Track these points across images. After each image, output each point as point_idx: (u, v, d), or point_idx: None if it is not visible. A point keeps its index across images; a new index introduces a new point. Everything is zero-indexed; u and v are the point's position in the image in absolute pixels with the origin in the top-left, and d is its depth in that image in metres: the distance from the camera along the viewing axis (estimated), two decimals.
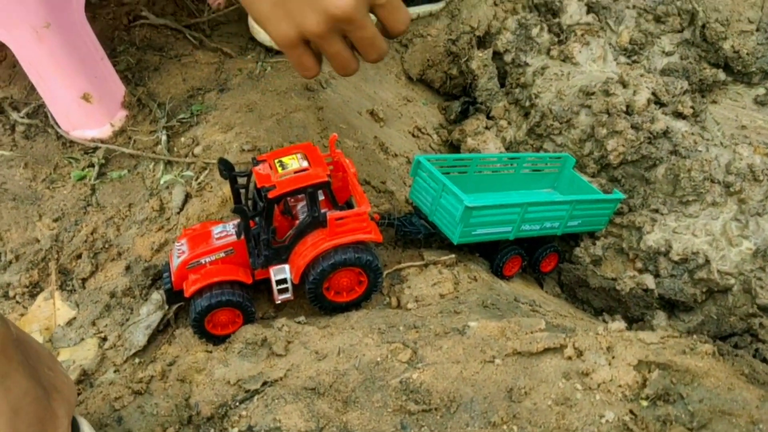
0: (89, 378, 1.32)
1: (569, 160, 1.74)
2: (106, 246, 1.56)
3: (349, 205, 1.35)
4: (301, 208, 1.33)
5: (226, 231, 1.33)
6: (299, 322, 1.30)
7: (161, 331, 1.37)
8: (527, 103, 2.00)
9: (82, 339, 1.40)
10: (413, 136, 2.03)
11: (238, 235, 1.27)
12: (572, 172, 1.74)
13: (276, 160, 1.29)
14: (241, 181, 1.35)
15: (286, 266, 1.30)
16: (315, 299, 1.31)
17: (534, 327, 1.11)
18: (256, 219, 1.27)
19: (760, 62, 1.90)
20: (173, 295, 1.31)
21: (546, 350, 1.07)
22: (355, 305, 1.35)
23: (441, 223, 1.47)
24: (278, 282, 1.31)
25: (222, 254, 1.30)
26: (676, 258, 1.53)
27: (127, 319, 1.40)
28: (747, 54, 1.88)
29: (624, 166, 1.73)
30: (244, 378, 1.17)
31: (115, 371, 1.32)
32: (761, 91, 1.91)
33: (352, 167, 1.38)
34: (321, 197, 1.32)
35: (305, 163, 1.27)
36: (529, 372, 1.05)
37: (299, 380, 1.13)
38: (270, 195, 1.22)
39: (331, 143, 1.39)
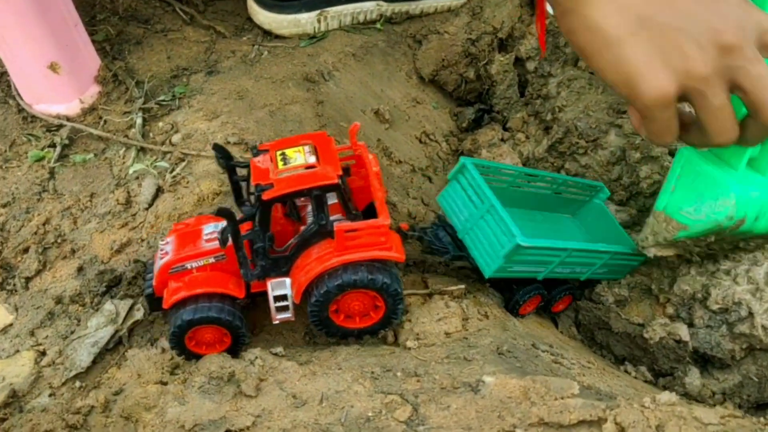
0: (19, 401, 1.10)
1: (604, 191, 1.54)
2: (59, 241, 1.34)
3: (370, 212, 1.13)
4: (310, 211, 1.12)
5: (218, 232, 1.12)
6: (276, 354, 1.08)
7: (110, 350, 1.15)
8: (549, 117, 1.80)
9: (17, 351, 1.19)
10: (420, 142, 1.82)
11: (223, 242, 1.06)
12: (602, 205, 1.54)
13: (279, 152, 1.07)
14: (242, 172, 1.14)
15: (287, 280, 1.09)
16: (319, 323, 1.10)
17: (565, 391, 0.90)
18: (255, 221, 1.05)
19: None
20: (155, 302, 1.11)
21: (580, 423, 0.86)
22: (371, 333, 1.14)
23: (474, 248, 1.24)
24: (277, 298, 1.10)
25: (211, 259, 1.09)
26: (714, 307, 1.34)
27: (72, 332, 1.18)
28: None
29: (655, 196, 1.53)
30: (203, 422, 0.95)
31: (50, 395, 1.10)
32: None
33: (375, 165, 1.16)
34: (333, 200, 1.10)
35: (313, 159, 1.05)
36: None
37: None
38: (264, 196, 1.00)
39: (352, 133, 1.17)
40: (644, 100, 0.91)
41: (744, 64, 0.88)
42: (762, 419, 0.88)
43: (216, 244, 1.09)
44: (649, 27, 0.89)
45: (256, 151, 1.10)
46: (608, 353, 1.46)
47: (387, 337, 1.16)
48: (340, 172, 1.04)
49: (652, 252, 1.30)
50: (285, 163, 1.06)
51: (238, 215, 1.06)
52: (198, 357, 1.08)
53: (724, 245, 1.19)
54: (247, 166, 1.11)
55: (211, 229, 1.12)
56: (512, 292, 1.36)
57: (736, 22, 0.89)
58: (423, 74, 1.89)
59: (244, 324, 1.07)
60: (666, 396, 0.89)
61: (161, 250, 1.11)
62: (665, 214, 1.15)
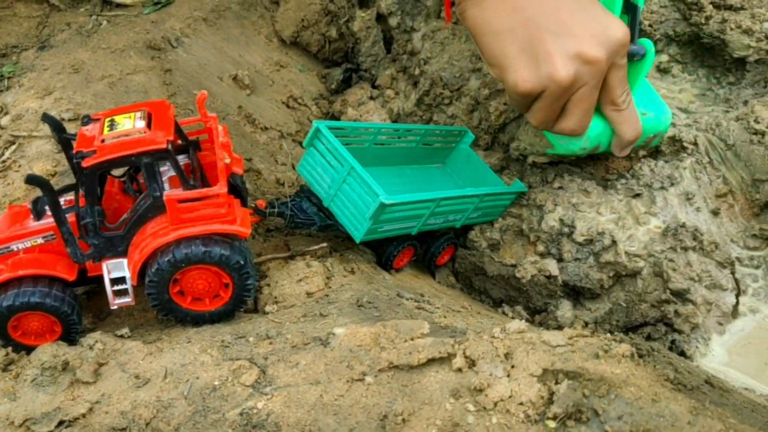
0: None
1: (468, 135, 1.53)
2: None
3: (231, 187, 1.06)
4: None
5: (46, 210, 1.01)
6: (120, 336, 1.00)
7: None
8: (416, 71, 1.77)
9: None
10: (288, 107, 1.75)
11: (37, 215, 0.96)
12: (469, 150, 1.53)
13: (107, 119, 0.98)
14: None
15: (124, 261, 1.00)
16: (161, 308, 1.01)
17: (415, 332, 0.87)
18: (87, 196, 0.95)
19: (663, 27, 1.75)
20: None
21: (430, 361, 0.84)
22: (224, 315, 1.05)
23: (341, 214, 1.18)
24: (114, 281, 1.01)
25: (39, 240, 0.99)
26: (580, 239, 1.35)
27: None
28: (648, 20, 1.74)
29: (507, 128, 1.54)
30: (35, 416, 0.87)
31: None
32: (664, 58, 1.77)
33: (224, 136, 1.08)
34: (172, 173, 1.02)
35: (142, 124, 0.97)
36: (409, 391, 0.81)
37: (108, 417, 0.84)
38: (85, 163, 0.91)
39: (199, 103, 1.06)
40: (508, 88, 1.14)
41: (589, 83, 1.11)
42: (608, 335, 0.88)
43: (44, 223, 0.99)
44: (528, 29, 1.09)
45: (87, 120, 1.01)
46: (486, 297, 1.45)
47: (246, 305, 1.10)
48: (171, 138, 0.96)
49: (530, 159, 1.47)
50: (111, 129, 0.97)
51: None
52: (27, 348, 0.98)
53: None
54: None
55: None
56: (383, 248, 1.32)
57: (604, 38, 1.09)
58: (284, 36, 1.81)
59: (75, 310, 0.98)
60: (515, 324, 0.88)
61: None
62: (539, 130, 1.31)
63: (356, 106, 1.74)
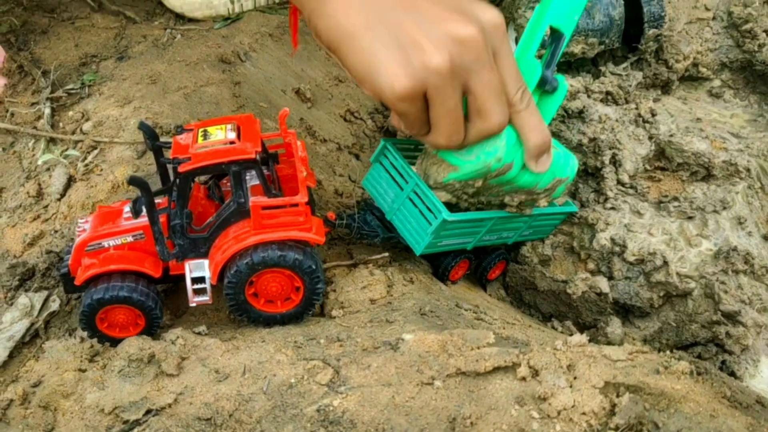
0: None
1: None
2: None
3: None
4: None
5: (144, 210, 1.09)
6: (199, 333, 1.07)
7: (27, 344, 1.12)
8: None
9: None
10: (345, 120, 1.82)
11: (136, 213, 1.03)
12: None
13: (201, 129, 1.05)
14: (169, 153, 1.10)
15: (206, 262, 1.07)
16: (237, 308, 1.07)
17: (481, 341, 0.92)
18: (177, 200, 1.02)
19: (716, 54, 1.78)
20: (71, 282, 1.06)
21: (496, 369, 0.88)
22: (294, 318, 1.11)
23: (403, 227, 1.24)
24: (194, 280, 1.07)
25: (129, 238, 1.06)
26: (631, 259, 1.39)
27: None
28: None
29: None
30: (123, 405, 0.93)
31: None
32: (716, 83, 1.79)
33: (303, 151, 1.15)
34: (254, 182, 1.09)
35: (233, 135, 1.04)
36: (476, 397, 0.86)
37: (192, 407, 0.91)
38: (181, 168, 0.98)
39: (281, 119, 1.14)
40: (386, 95, 0.90)
41: (477, 67, 0.90)
42: (668, 353, 0.91)
43: (135, 222, 1.06)
44: (386, 21, 0.89)
45: (180, 129, 1.08)
46: (536, 312, 1.49)
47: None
48: (259, 150, 1.03)
49: (436, 194, 1.19)
50: (205, 139, 1.04)
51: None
52: (111, 340, 1.05)
53: (491, 197, 1.19)
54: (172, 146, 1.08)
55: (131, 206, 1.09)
56: (440, 260, 1.37)
57: (473, 17, 0.90)
58: None
59: (158, 305, 1.05)
60: (577, 338, 0.92)
61: (79, 228, 1.08)
62: (439, 156, 1.10)
63: None
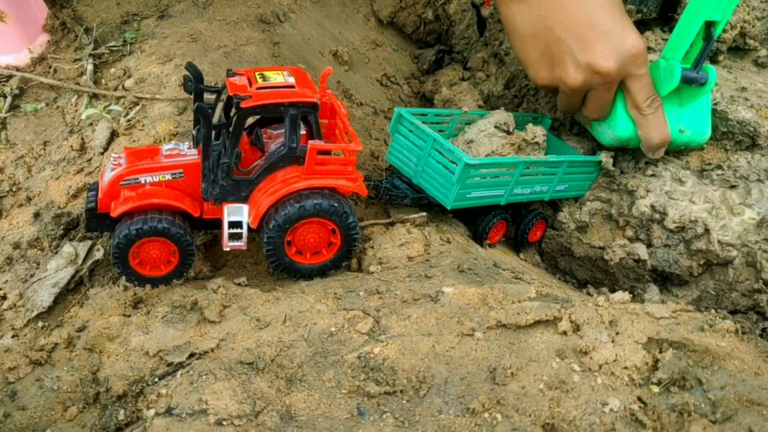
0: None
1: (545, 120, 1.56)
2: (14, 189, 1.32)
3: None
4: (275, 144, 1.10)
5: (179, 149, 1.08)
6: (239, 284, 1.08)
7: (71, 291, 1.14)
8: (507, 59, 1.80)
9: None
10: (381, 84, 1.81)
11: (197, 142, 1.03)
12: (547, 132, 1.56)
13: (257, 73, 1.06)
14: (209, 98, 1.09)
15: (245, 207, 1.07)
16: (273, 253, 1.07)
17: (522, 295, 0.92)
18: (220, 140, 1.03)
19: (762, 23, 1.72)
20: (95, 218, 1.07)
21: (537, 323, 0.88)
22: (321, 272, 1.11)
23: (430, 186, 1.25)
24: (231, 224, 1.07)
25: (168, 176, 1.06)
26: (671, 226, 1.36)
27: (32, 275, 1.16)
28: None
29: None
30: (167, 348, 0.95)
31: (13, 336, 1.09)
32: (763, 53, 1.74)
33: (343, 107, 1.15)
34: (302, 131, 1.09)
35: (292, 80, 1.04)
36: (516, 349, 0.86)
37: (234, 352, 0.92)
38: (243, 105, 0.98)
39: (323, 79, 1.14)
40: (531, 81, 1.37)
41: (600, 89, 1.27)
42: (714, 311, 0.90)
43: (175, 161, 1.05)
44: (548, 37, 1.25)
45: (231, 72, 1.08)
46: (571, 278, 1.48)
47: (351, 264, 1.16)
48: (319, 96, 1.03)
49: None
50: (264, 80, 1.04)
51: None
52: (140, 279, 1.05)
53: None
54: (216, 90, 1.07)
55: (171, 146, 1.08)
56: (477, 222, 1.37)
57: (615, 52, 1.22)
58: (381, 16, 1.87)
59: (194, 242, 1.05)
60: (619, 295, 0.91)
61: (113, 162, 1.07)
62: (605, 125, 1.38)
63: (449, 86, 1.78)
